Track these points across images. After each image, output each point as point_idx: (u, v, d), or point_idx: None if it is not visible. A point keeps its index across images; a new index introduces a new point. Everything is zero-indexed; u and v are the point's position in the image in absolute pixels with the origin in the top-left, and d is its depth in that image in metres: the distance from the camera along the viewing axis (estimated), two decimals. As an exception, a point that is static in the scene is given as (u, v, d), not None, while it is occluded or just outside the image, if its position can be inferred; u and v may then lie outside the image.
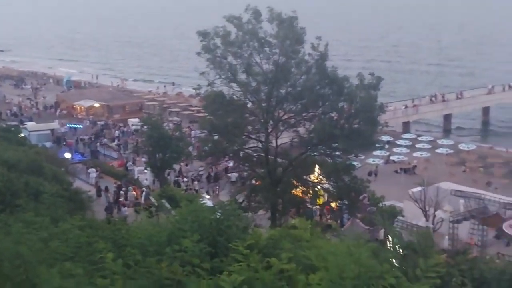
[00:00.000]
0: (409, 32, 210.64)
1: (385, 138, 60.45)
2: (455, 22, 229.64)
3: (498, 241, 39.15)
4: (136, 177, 48.26)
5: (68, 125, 69.66)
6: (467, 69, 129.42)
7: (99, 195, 40.61)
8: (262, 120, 34.37)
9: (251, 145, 36.05)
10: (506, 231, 35.83)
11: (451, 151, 62.64)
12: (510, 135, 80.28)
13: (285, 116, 35.28)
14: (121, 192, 41.33)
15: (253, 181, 36.80)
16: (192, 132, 64.03)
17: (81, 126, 70.25)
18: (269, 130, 34.30)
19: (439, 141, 66.89)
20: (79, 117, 77.03)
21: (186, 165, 51.83)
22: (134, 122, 68.02)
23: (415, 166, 59.94)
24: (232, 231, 7.82)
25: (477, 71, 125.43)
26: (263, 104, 34.12)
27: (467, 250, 27.99)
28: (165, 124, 51.33)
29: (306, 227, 6.96)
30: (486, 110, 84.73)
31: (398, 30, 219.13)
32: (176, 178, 49.25)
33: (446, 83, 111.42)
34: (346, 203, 35.17)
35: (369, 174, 55.13)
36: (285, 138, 36.98)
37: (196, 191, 44.67)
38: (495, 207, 39.69)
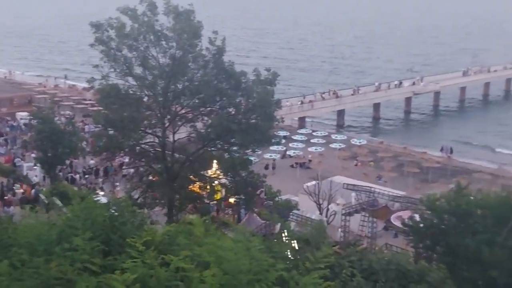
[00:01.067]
0: (303, 28, 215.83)
1: (282, 133, 61.69)
2: (347, 19, 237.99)
3: (387, 232, 41.10)
4: (25, 173, 46.12)
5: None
6: (358, 67, 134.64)
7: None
8: (158, 115, 33.88)
9: (148, 140, 35.46)
10: (394, 223, 37.59)
11: (344, 146, 64.98)
12: (398, 131, 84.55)
13: (183, 111, 34.98)
14: (9, 189, 39.39)
15: (150, 177, 36.24)
16: (86, 126, 62.12)
17: (-36, 120, 66.20)
18: (166, 125, 33.87)
19: (333, 136, 69.17)
20: (-39, 110, 72.46)
21: (75, 159, 49.94)
22: (23, 116, 65.01)
23: (310, 161, 61.66)
24: (127, 228, 7.65)
25: (367, 68, 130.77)
26: (160, 99, 33.64)
27: (357, 242, 29.15)
28: (56, 118, 49.28)
29: (200, 224, 6.95)
30: (376, 106, 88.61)
31: (292, 27, 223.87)
32: (69, 174, 47.59)
33: (339, 80, 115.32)
34: (243, 198, 35.46)
35: (266, 167, 56.22)
36: (182, 133, 36.69)
37: (95, 188, 43.41)
38: (384, 199, 41.59)
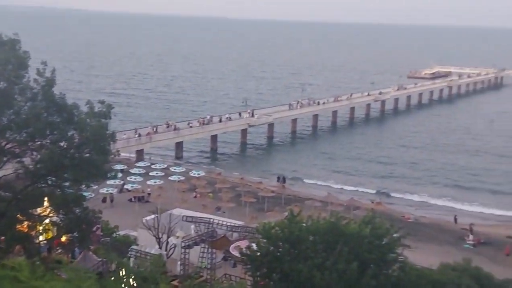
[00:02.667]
0: (139, 61, 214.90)
1: (119, 166, 60.27)
2: (181, 53, 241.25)
3: (226, 262, 41.53)
4: None
5: None
6: (192, 100, 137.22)
7: None
8: (-19, 151, 31.35)
9: (-32, 179, 32.62)
10: (233, 253, 38.06)
11: (183, 178, 64.97)
12: (235, 162, 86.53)
13: (8, 145, 32.72)
14: None
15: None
16: None
17: None
18: (-10, 161, 31.42)
19: (172, 169, 68.91)
20: None
21: None
22: None
23: (149, 194, 60.82)
24: None
25: (201, 103, 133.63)
26: (-18, 133, 31.19)
27: (196, 274, 29.09)
28: None
29: (26, 267, 6.44)
30: (214, 138, 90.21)
31: (129, 58, 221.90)
32: None
33: (175, 113, 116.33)
34: (77, 235, 33.85)
35: (104, 200, 54.83)
36: (8, 169, 34.27)
37: None
38: (223, 230, 42.03)
